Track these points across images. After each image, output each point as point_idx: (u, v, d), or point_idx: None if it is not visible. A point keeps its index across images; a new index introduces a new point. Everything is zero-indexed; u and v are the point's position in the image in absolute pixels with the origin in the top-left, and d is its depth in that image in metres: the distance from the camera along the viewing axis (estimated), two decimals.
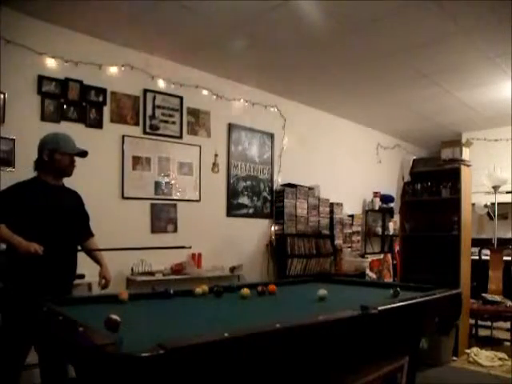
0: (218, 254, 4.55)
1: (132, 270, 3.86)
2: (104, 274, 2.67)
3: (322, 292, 2.13)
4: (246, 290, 2.18)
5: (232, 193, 4.88)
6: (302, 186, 5.41)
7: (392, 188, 6.96)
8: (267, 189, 5.25)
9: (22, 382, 2.61)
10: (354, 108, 5.94)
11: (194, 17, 3.45)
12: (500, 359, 3.89)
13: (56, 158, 2.47)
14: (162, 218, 4.25)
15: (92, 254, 2.71)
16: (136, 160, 4.09)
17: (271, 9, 3.32)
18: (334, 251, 5.57)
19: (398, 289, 2.22)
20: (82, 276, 3.44)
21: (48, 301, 1.77)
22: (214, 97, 4.69)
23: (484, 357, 3.90)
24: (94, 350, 1.14)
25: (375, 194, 6.65)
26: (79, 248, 2.68)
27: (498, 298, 4.30)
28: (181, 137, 4.43)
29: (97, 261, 2.71)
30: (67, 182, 2.71)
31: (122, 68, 3.99)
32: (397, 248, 5.95)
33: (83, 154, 2.61)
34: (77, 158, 2.62)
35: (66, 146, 2.51)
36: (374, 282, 4.75)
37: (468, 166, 4.39)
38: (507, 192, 6.02)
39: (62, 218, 2.50)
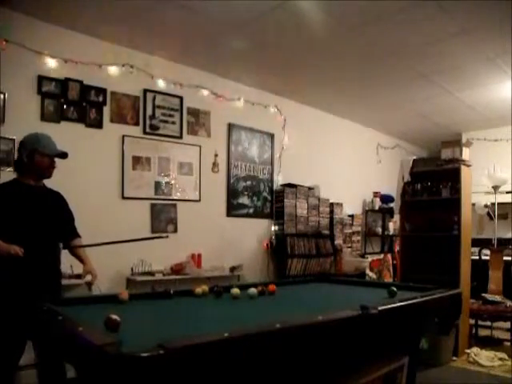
0: (218, 254, 4.55)
1: (132, 270, 3.86)
2: (89, 269, 2.56)
3: (252, 291, 2.20)
4: (235, 290, 2.21)
5: (232, 193, 4.88)
6: (301, 186, 5.41)
7: (392, 188, 6.98)
8: (267, 189, 5.25)
9: (18, 383, 2.62)
10: (354, 108, 5.94)
11: (194, 17, 3.45)
12: (500, 359, 3.89)
13: (36, 159, 2.41)
14: (162, 218, 4.25)
15: (76, 253, 2.64)
16: (136, 160, 4.09)
17: (271, 9, 3.32)
18: (334, 251, 5.57)
19: (394, 288, 2.22)
20: (81, 276, 3.44)
21: (38, 302, 1.75)
22: (214, 97, 4.69)
23: (484, 357, 3.91)
24: (94, 350, 1.14)
25: (375, 194, 6.65)
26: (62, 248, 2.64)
27: (498, 298, 4.30)
28: (181, 137, 4.43)
29: (81, 260, 2.64)
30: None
31: (122, 68, 3.99)
32: (397, 248, 5.95)
33: (63, 155, 2.55)
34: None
35: (45, 146, 2.44)
36: (374, 282, 4.75)
37: (468, 166, 4.39)
38: (507, 192, 6.02)
39: (42, 220, 2.45)
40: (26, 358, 2.49)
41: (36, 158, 2.41)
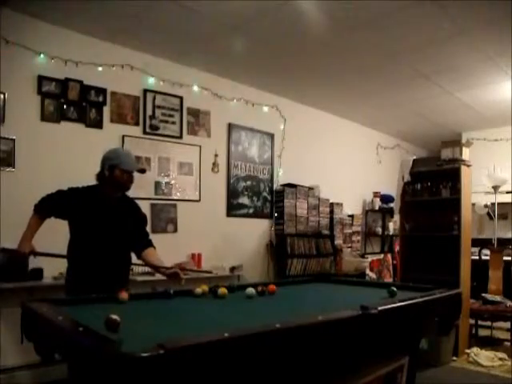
0: (218, 254, 4.55)
1: (132, 269, 3.85)
2: (168, 273, 2.71)
3: (250, 291, 2.22)
4: (222, 290, 2.22)
5: (232, 193, 4.88)
6: (302, 186, 5.41)
7: (392, 188, 6.98)
8: (267, 189, 5.25)
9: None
10: (354, 108, 5.94)
11: (194, 17, 3.45)
12: (500, 359, 3.89)
13: (116, 174, 2.57)
14: (162, 217, 4.25)
15: (148, 263, 2.77)
16: (136, 160, 4.07)
17: (271, 9, 3.32)
18: (334, 251, 5.57)
19: (394, 288, 2.22)
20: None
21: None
22: (214, 97, 4.69)
23: (484, 357, 3.90)
24: (94, 350, 1.14)
25: (375, 194, 6.65)
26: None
27: (498, 298, 4.30)
28: (181, 137, 4.43)
29: (155, 268, 2.77)
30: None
31: (122, 68, 3.99)
32: (397, 248, 5.95)
33: (141, 171, 2.80)
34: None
35: (126, 163, 2.61)
36: (374, 282, 4.76)
37: (468, 166, 4.39)
38: (507, 192, 6.02)
39: (111, 227, 2.58)
40: (24, 359, 2.49)
41: (116, 172, 2.57)
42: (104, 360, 1.09)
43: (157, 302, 2.11)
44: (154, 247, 2.81)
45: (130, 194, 4.02)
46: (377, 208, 6.64)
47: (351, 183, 6.35)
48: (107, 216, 2.58)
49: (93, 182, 3.80)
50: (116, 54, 3.96)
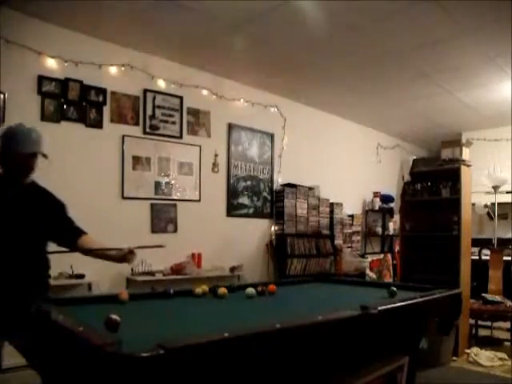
0: (218, 254, 4.55)
1: (132, 270, 3.85)
2: (122, 254, 2.33)
3: (250, 291, 2.21)
4: (222, 290, 2.21)
5: (232, 193, 4.88)
6: (302, 186, 5.41)
7: (392, 188, 6.98)
8: (267, 189, 5.25)
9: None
10: (354, 108, 5.94)
11: (194, 16, 3.45)
12: (500, 359, 3.89)
13: (9, 156, 2.13)
14: (162, 217, 4.25)
15: (91, 250, 2.35)
16: (136, 160, 4.09)
17: (271, 9, 3.32)
18: (334, 251, 5.57)
19: (394, 288, 2.22)
20: (82, 276, 3.45)
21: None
22: (214, 97, 4.69)
23: (484, 357, 3.90)
24: (93, 350, 1.14)
25: (375, 194, 6.65)
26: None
27: (498, 298, 4.30)
28: (181, 137, 4.43)
29: (104, 254, 2.36)
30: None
31: (122, 68, 3.99)
32: (397, 248, 5.95)
33: (42, 155, 2.26)
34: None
35: (19, 144, 2.13)
36: (374, 282, 4.76)
37: (468, 166, 4.39)
38: (507, 192, 6.03)
39: (17, 222, 2.12)
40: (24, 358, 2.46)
41: (10, 154, 2.13)
42: (104, 360, 1.09)
43: (157, 302, 2.11)
44: (86, 232, 2.36)
45: (131, 193, 4.06)
46: (377, 208, 6.64)
47: (351, 183, 6.35)
48: (12, 208, 2.11)
49: (90, 182, 3.83)
50: (116, 54, 3.96)
